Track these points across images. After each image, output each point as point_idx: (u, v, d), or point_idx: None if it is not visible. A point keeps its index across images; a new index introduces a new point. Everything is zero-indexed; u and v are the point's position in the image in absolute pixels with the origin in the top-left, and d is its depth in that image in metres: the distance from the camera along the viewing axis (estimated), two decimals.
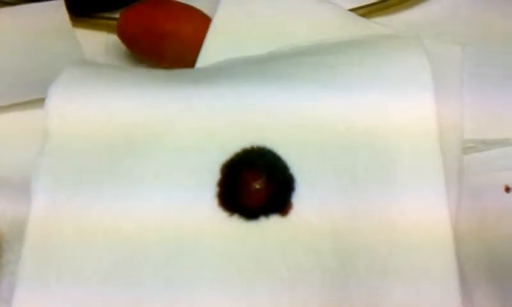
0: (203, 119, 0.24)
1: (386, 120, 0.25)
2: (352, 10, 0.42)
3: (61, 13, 0.35)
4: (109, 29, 0.42)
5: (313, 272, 0.21)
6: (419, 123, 0.25)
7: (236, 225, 0.23)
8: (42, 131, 0.35)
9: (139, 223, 0.23)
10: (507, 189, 0.37)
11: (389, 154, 0.25)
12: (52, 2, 0.36)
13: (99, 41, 0.42)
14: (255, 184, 0.24)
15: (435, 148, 0.26)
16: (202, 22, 0.38)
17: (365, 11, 0.43)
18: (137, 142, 0.24)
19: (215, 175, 0.24)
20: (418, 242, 0.24)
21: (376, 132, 0.24)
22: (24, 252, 0.24)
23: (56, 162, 0.25)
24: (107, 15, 0.43)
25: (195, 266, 0.21)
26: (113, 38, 0.41)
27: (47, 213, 0.24)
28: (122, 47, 0.40)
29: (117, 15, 0.40)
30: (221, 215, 0.23)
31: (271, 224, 0.23)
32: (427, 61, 0.28)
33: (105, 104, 0.25)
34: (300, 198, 0.23)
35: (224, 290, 0.21)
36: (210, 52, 0.36)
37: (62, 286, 0.23)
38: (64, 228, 0.24)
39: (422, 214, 0.24)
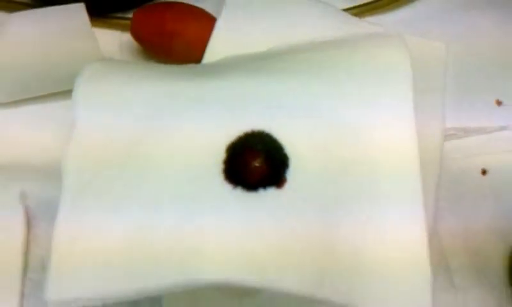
0: (210, 108, 0.28)
1: (367, 112, 0.28)
2: (345, 10, 0.46)
3: (81, 15, 0.39)
4: (123, 28, 0.45)
5: (300, 234, 0.25)
6: (397, 116, 0.29)
7: (239, 195, 0.27)
8: (61, 122, 0.40)
9: (157, 191, 0.27)
10: (484, 172, 0.41)
11: (367, 145, 0.28)
12: (73, 5, 0.39)
13: (114, 39, 0.46)
14: (255, 162, 0.27)
15: (413, 145, 0.29)
16: (208, 22, 0.41)
17: (357, 11, 0.46)
18: (154, 128, 0.28)
19: (221, 155, 0.27)
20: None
21: (358, 122, 0.28)
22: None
23: (82, 145, 0.29)
24: (121, 15, 0.47)
25: (201, 228, 0.26)
26: (127, 36, 0.44)
27: (78, 186, 0.28)
28: (135, 44, 0.44)
29: (130, 15, 0.44)
30: (226, 187, 0.27)
31: (268, 195, 0.27)
32: (408, 56, 0.31)
33: (124, 96, 0.29)
34: (293, 174, 0.27)
35: (227, 238, 0.25)
36: (215, 50, 0.39)
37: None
38: (90, 198, 0.27)
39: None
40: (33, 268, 0.36)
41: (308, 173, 0.27)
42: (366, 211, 0.27)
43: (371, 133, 0.28)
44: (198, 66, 0.35)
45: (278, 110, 0.28)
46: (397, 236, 0.27)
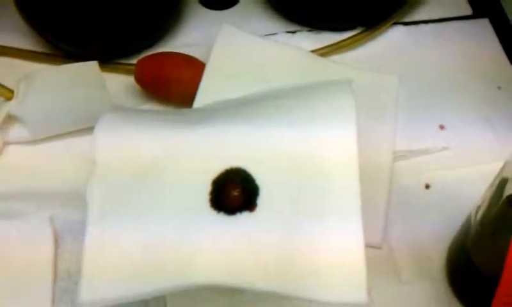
0: (199, 150, 0.35)
1: (320, 146, 0.35)
2: (313, 51, 0.53)
3: (95, 70, 0.46)
4: (127, 72, 0.52)
5: (267, 245, 0.32)
6: (344, 149, 0.35)
7: (222, 218, 0.33)
8: (80, 155, 0.46)
9: (159, 219, 0.33)
10: (427, 187, 0.46)
11: (319, 174, 0.34)
12: (89, 62, 0.46)
13: (120, 82, 0.52)
14: (234, 192, 0.34)
15: (355, 168, 0.35)
16: (199, 68, 0.48)
17: (323, 51, 0.53)
18: (157, 168, 0.35)
19: (208, 187, 0.34)
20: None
21: (312, 154, 0.34)
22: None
23: (103, 179, 0.35)
24: (125, 61, 0.53)
25: (194, 244, 0.32)
26: (131, 80, 0.50)
27: (100, 212, 0.34)
28: (138, 87, 0.50)
29: (133, 61, 0.51)
30: (212, 212, 0.33)
31: (243, 217, 0.33)
32: (353, 100, 0.36)
33: (134, 141, 0.36)
34: (262, 201, 0.34)
35: (214, 252, 0.32)
36: (204, 93, 0.46)
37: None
38: (110, 222, 0.34)
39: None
40: (61, 278, 0.41)
41: (274, 199, 0.34)
42: (317, 225, 0.33)
43: (322, 164, 0.35)
44: (190, 112, 0.41)
45: (250, 151, 0.35)
46: (340, 243, 0.33)
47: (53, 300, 0.40)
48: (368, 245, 0.40)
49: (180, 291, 0.33)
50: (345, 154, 0.35)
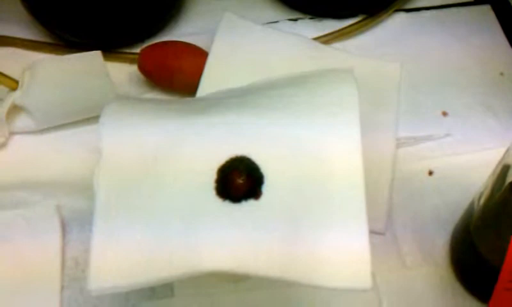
0: (204, 140, 0.35)
1: (323, 137, 0.35)
2: (315, 38, 0.53)
3: (98, 59, 0.46)
4: (131, 61, 0.52)
5: (272, 233, 0.33)
6: (347, 138, 0.35)
7: (227, 206, 0.33)
8: (85, 144, 0.46)
9: (165, 207, 0.34)
10: (430, 173, 0.47)
11: (323, 163, 0.35)
12: (92, 52, 0.47)
13: (124, 71, 0.52)
14: (239, 180, 0.34)
15: (358, 155, 0.35)
16: (201, 57, 0.48)
17: (325, 39, 0.53)
18: (162, 157, 0.35)
19: (213, 176, 0.34)
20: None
21: (316, 146, 0.35)
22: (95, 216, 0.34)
23: (109, 168, 0.35)
24: (128, 50, 0.54)
25: (200, 231, 0.33)
26: (134, 69, 0.50)
27: (106, 201, 0.34)
28: (141, 76, 0.50)
29: (136, 50, 0.51)
30: (217, 200, 0.34)
31: (249, 205, 0.33)
32: (355, 89, 0.37)
33: (139, 131, 0.36)
34: (267, 189, 0.34)
35: (219, 239, 0.33)
36: (207, 82, 0.47)
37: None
38: (117, 210, 0.34)
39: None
40: (69, 266, 0.42)
41: (278, 187, 0.34)
42: (321, 212, 0.34)
43: (326, 155, 0.35)
44: (194, 101, 0.42)
45: (255, 139, 0.35)
46: (345, 229, 0.33)
47: (61, 288, 0.41)
48: (372, 232, 0.41)
49: (187, 278, 0.33)
50: (349, 143, 0.36)
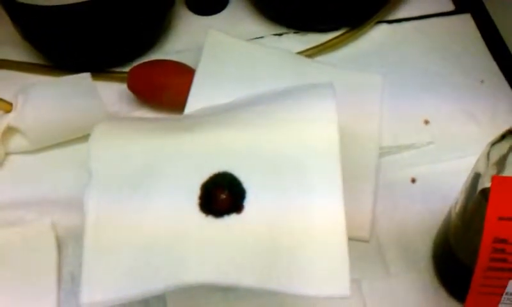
0: (188, 156, 0.37)
1: (301, 147, 0.36)
2: (299, 52, 0.54)
3: (88, 81, 0.48)
4: (120, 80, 0.53)
5: (254, 245, 0.34)
6: (326, 148, 0.36)
7: (210, 221, 0.35)
8: (78, 162, 0.45)
9: (152, 223, 0.35)
10: (413, 180, 0.47)
11: (303, 176, 0.36)
12: (82, 74, 0.48)
13: (114, 90, 0.53)
14: (222, 195, 0.35)
15: (337, 166, 0.36)
16: (188, 74, 0.49)
17: (309, 53, 0.54)
18: (149, 174, 0.36)
19: (197, 191, 0.36)
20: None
21: (296, 155, 0.36)
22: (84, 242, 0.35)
23: (99, 187, 0.37)
24: (118, 70, 0.55)
25: (185, 246, 0.34)
26: (124, 87, 0.51)
27: (96, 220, 0.35)
28: (131, 94, 0.51)
29: (125, 69, 0.52)
30: (200, 216, 0.35)
31: (231, 219, 0.35)
32: (334, 103, 0.38)
33: (127, 151, 0.37)
34: (248, 203, 0.35)
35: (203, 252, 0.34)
36: (195, 98, 0.48)
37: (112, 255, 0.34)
38: (106, 228, 0.36)
39: (324, 218, 0.35)
40: (65, 281, 0.43)
41: (260, 201, 0.35)
42: (301, 221, 0.35)
43: (305, 163, 0.36)
44: (179, 119, 0.43)
45: (237, 155, 0.37)
46: (324, 237, 0.34)
47: (58, 303, 0.42)
48: (357, 239, 0.43)
49: (177, 289, 0.35)
50: (328, 153, 0.37)
